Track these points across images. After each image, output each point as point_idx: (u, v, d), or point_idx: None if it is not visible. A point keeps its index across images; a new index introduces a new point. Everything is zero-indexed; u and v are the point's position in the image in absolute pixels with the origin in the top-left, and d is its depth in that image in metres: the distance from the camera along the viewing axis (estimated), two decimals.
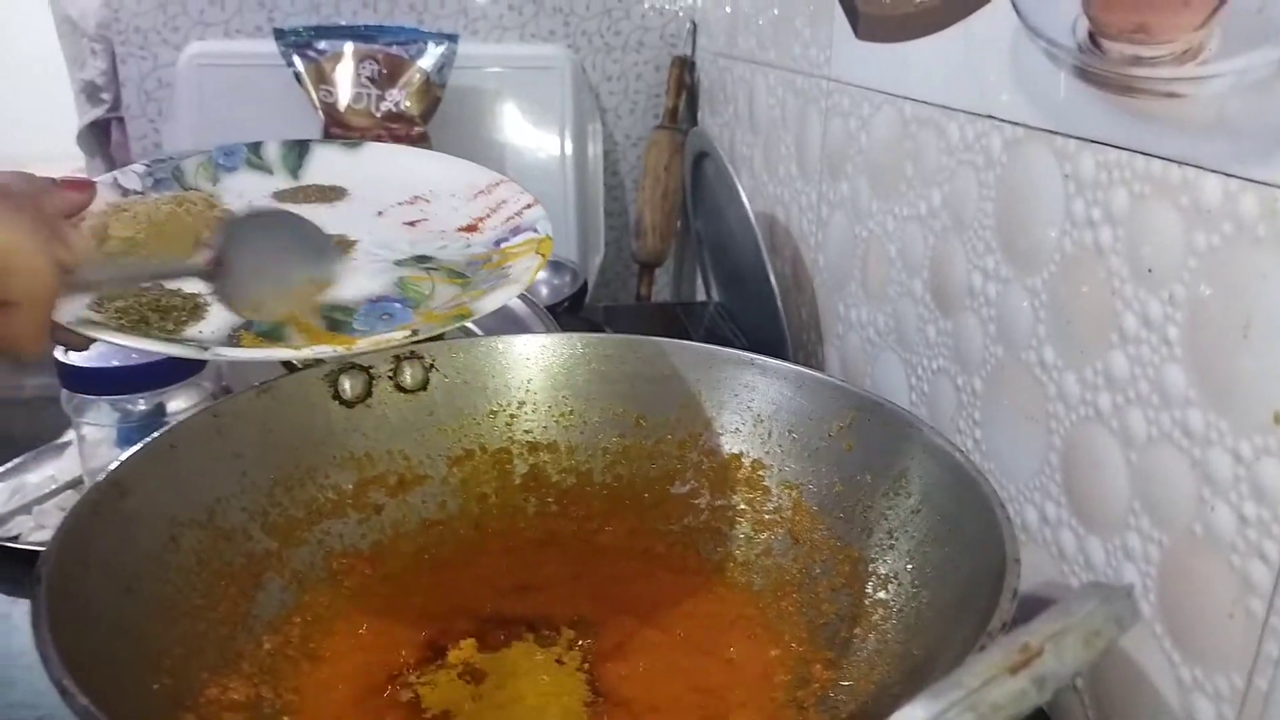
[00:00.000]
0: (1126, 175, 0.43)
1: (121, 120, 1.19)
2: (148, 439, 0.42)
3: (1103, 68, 0.45)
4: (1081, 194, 0.46)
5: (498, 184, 0.56)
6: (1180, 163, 0.40)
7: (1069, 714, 0.49)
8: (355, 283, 0.45)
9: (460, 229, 0.52)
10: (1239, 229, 0.37)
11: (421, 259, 0.48)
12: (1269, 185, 0.36)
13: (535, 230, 0.50)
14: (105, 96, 1.20)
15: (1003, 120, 0.52)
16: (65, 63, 1.24)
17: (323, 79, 1.05)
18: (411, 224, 0.52)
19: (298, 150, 0.58)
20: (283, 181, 0.56)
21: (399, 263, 0.48)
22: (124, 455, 0.40)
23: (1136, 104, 0.43)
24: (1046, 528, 0.51)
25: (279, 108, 1.06)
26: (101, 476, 0.39)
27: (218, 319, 0.42)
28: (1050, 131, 0.48)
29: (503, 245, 0.50)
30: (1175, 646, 0.42)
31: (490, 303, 0.43)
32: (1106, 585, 0.24)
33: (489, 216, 0.53)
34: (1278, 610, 0.36)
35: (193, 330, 0.41)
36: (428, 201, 0.54)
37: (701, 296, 1.14)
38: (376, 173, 0.56)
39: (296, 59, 1.04)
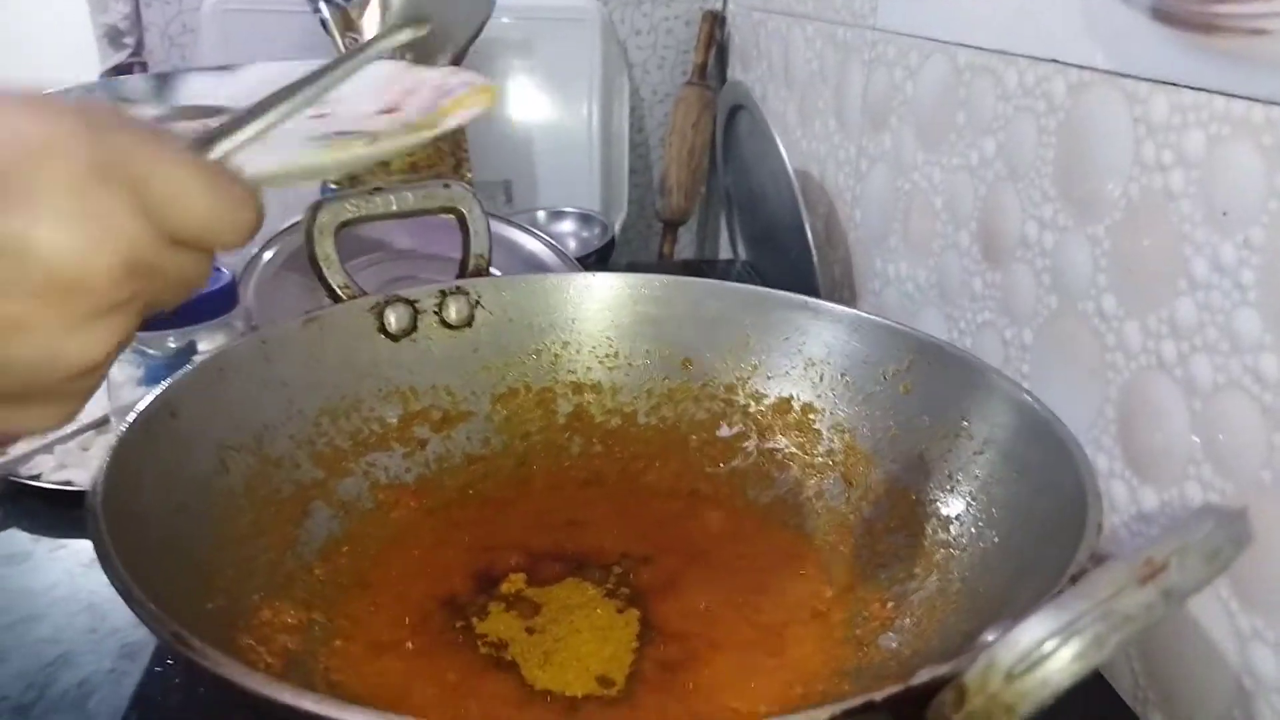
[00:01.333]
0: (1204, 117, 0.42)
1: (145, 65, 1.17)
2: (196, 361, 0.41)
3: (1181, 6, 0.43)
4: (1152, 137, 0.45)
5: (414, 70, 0.49)
6: (1266, 102, 0.39)
7: (1113, 665, 0.49)
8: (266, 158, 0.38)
9: (380, 111, 0.45)
10: None
11: (344, 134, 0.42)
12: None
13: (470, 84, 0.45)
14: (128, 41, 1.18)
15: (1068, 64, 0.51)
16: (87, 6, 1.22)
17: (349, 25, 1.03)
18: (321, 116, 0.45)
19: (157, 83, 0.52)
20: (154, 109, 0.50)
21: (316, 138, 0.39)
22: (173, 377, 0.40)
23: (1217, 42, 0.41)
24: (1099, 480, 0.50)
25: (304, 54, 1.04)
26: (152, 396, 0.38)
27: None
28: (1120, 74, 0.47)
29: (439, 103, 0.45)
30: (1234, 596, 0.41)
31: (453, 119, 0.38)
32: (1221, 507, 0.23)
33: (411, 95, 0.47)
34: None
35: None
36: (337, 103, 0.47)
37: (725, 254, 1.12)
38: (267, 88, 0.47)
39: (323, 5, 1.02)
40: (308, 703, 0.23)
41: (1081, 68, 0.50)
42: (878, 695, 0.23)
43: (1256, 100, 0.39)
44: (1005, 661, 0.20)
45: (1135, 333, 0.46)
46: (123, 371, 0.63)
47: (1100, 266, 0.49)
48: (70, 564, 0.53)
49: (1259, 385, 0.39)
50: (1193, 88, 0.43)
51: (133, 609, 0.27)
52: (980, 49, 0.59)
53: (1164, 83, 0.44)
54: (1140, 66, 0.46)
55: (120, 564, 0.28)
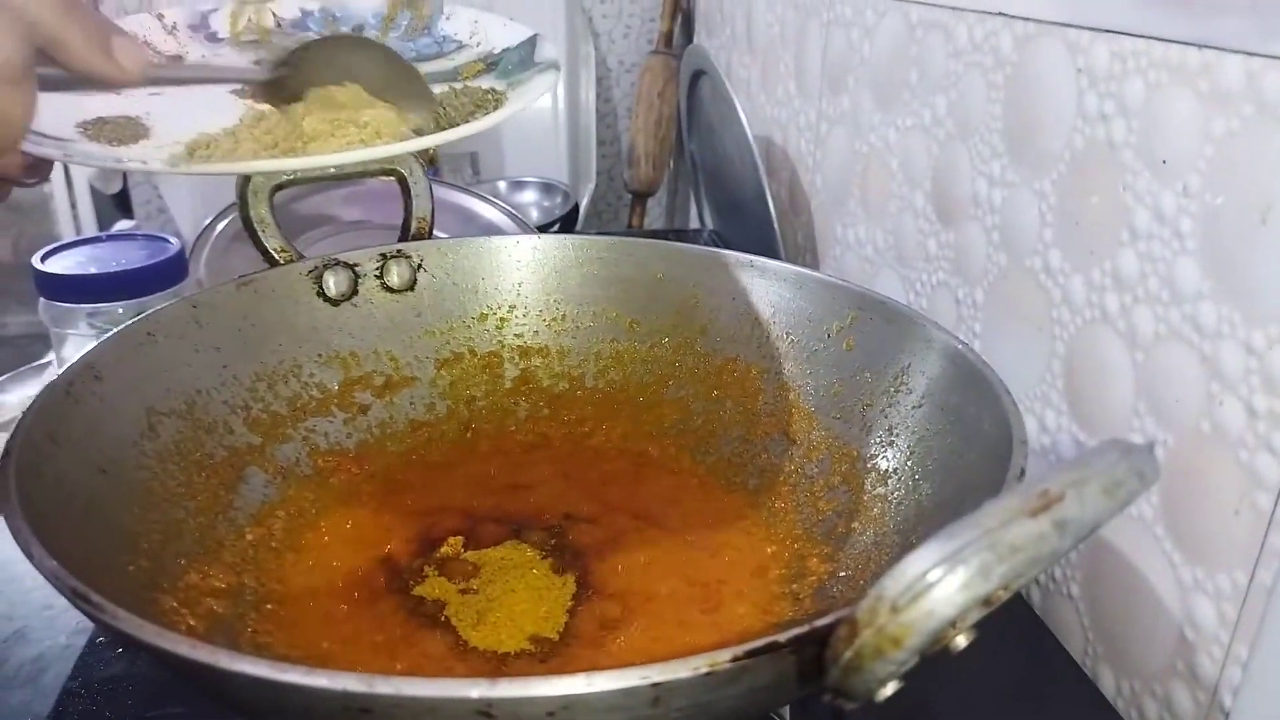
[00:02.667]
0: (1142, 64, 0.42)
1: None
2: (124, 325, 0.40)
3: None
4: (1094, 87, 0.45)
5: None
6: (1200, 45, 0.38)
7: (1063, 621, 0.49)
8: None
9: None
10: (1261, 110, 0.36)
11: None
12: None
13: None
14: None
15: (1013, 16, 0.50)
16: None
17: None
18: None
19: None
20: None
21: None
22: (100, 340, 0.39)
23: None
24: (1045, 435, 0.50)
25: None
26: (75, 359, 0.37)
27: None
28: (1063, 25, 0.47)
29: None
30: (1176, 547, 0.41)
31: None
32: (1127, 440, 0.23)
33: None
34: None
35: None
36: None
37: (695, 225, 1.12)
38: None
39: None
40: (202, 654, 0.23)
41: (1027, 20, 0.49)
42: (782, 636, 0.23)
43: (1191, 44, 0.39)
44: (891, 592, 0.19)
45: (1080, 287, 0.46)
46: (76, 347, 0.63)
47: (1047, 221, 0.49)
48: None
49: (1198, 334, 0.39)
50: (1132, 34, 0.42)
51: (34, 565, 0.27)
52: (932, 4, 0.59)
53: (1105, 30, 0.44)
54: (1082, 15, 0.45)
55: (24, 521, 0.28)
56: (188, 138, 0.39)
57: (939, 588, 0.19)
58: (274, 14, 0.50)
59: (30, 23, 0.32)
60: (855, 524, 0.39)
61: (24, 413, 0.33)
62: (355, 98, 0.41)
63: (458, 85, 0.46)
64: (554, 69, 0.46)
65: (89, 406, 0.37)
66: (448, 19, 0.51)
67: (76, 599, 0.25)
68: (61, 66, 0.34)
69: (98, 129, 0.39)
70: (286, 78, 0.41)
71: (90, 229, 1.81)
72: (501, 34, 0.50)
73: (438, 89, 0.45)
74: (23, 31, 0.32)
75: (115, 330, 0.40)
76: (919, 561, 0.19)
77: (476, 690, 0.21)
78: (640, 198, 1.15)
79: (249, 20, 0.49)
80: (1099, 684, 0.46)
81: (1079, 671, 0.46)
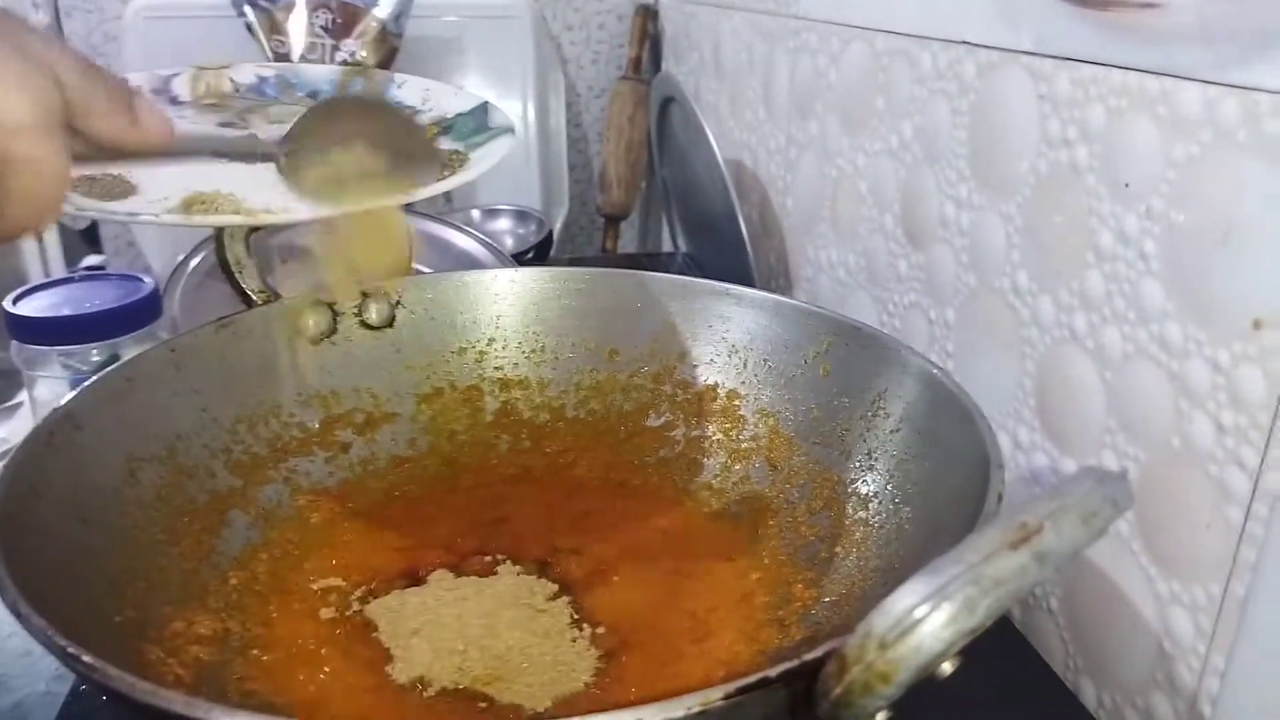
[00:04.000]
0: (1103, 90, 0.43)
1: None
2: (103, 373, 0.40)
3: None
4: (1057, 114, 0.46)
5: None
6: (1158, 74, 0.40)
7: (1044, 636, 0.50)
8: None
9: None
10: (1218, 136, 0.37)
11: None
12: (1249, 89, 0.35)
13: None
14: None
15: (976, 45, 0.51)
16: None
17: (275, 29, 1.02)
18: None
19: None
20: None
21: None
22: (78, 389, 0.39)
23: (1112, 17, 0.42)
24: (1020, 453, 0.51)
25: (231, 59, 1.03)
26: (53, 410, 0.37)
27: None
28: (1025, 53, 0.48)
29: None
30: (1152, 561, 0.42)
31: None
32: (1100, 469, 0.23)
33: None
34: (1255, 516, 0.36)
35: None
36: None
37: (668, 248, 1.13)
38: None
39: (248, 9, 1.01)
40: (197, 711, 0.23)
41: (990, 48, 0.50)
42: (772, 672, 0.23)
43: (1150, 72, 0.40)
44: (879, 629, 0.20)
45: (1049, 306, 0.47)
46: (49, 389, 0.62)
47: (1014, 243, 0.50)
48: None
49: (1165, 353, 0.40)
50: (1092, 62, 0.43)
51: (22, 625, 0.27)
52: (896, 34, 0.60)
53: (1065, 58, 0.45)
54: (1044, 44, 0.46)
55: (8, 577, 0.27)
56: (177, 195, 0.39)
57: (926, 623, 0.19)
58: (231, 80, 0.51)
59: (57, 80, 0.31)
60: (838, 548, 0.40)
61: (4, 466, 0.33)
62: (358, 160, 0.41)
63: None
64: (509, 133, 0.47)
65: (69, 456, 0.36)
66: (399, 87, 0.52)
67: (68, 659, 0.25)
68: (84, 134, 0.33)
69: (88, 186, 0.39)
70: (295, 147, 0.42)
71: (58, 264, 1.79)
72: (453, 101, 0.51)
73: None
74: (55, 84, 0.31)
75: (94, 378, 0.40)
76: (905, 598, 0.20)
77: None
78: (613, 222, 1.15)
79: (208, 85, 0.50)
80: (1080, 697, 0.46)
81: (1060, 685, 0.47)
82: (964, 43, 0.53)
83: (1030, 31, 0.47)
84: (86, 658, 0.25)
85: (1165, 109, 0.39)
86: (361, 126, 0.42)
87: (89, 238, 1.30)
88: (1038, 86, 0.47)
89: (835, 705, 0.21)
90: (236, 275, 0.47)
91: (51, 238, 1.81)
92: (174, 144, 0.37)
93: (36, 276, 1.86)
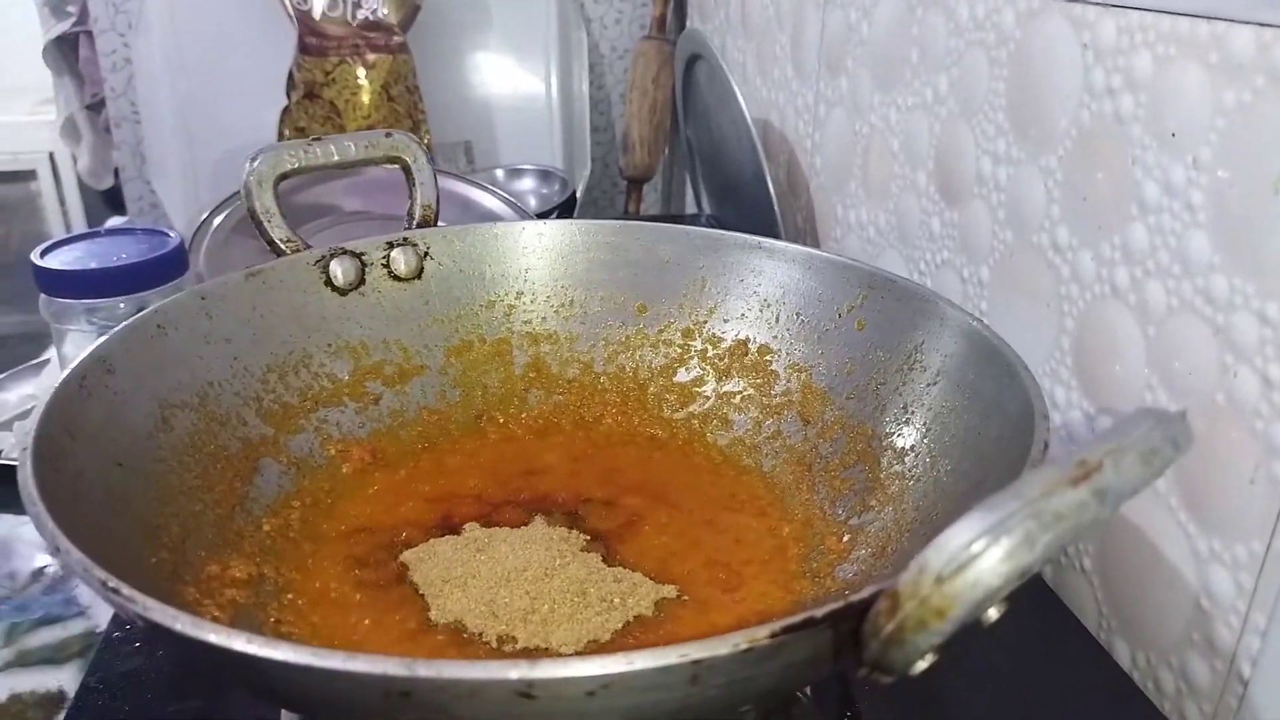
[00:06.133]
0: (1150, 37, 0.42)
1: (89, 34, 1.14)
2: (133, 318, 0.40)
3: None
4: (1101, 63, 0.45)
5: None
6: (1210, 18, 0.38)
7: (1077, 595, 0.49)
8: None
9: None
10: (1272, 81, 0.36)
11: None
12: None
13: None
14: (71, 9, 1.15)
15: None
16: None
17: None
18: None
19: None
20: None
21: None
22: (109, 333, 0.39)
23: None
24: (1056, 411, 0.50)
25: (253, 17, 1.02)
26: (86, 352, 0.37)
27: None
28: (1067, 0, 0.47)
29: None
30: (1191, 519, 0.41)
31: None
32: (1159, 409, 0.23)
33: None
34: None
35: None
36: None
37: (691, 210, 1.12)
38: None
39: None
40: (238, 643, 0.23)
41: None
42: (818, 611, 0.23)
43: (1201, 17, 0.39)
44: (935, 564, 0.19)
45: (1089, 262, 0.46)
46: (75, 343, 0.62)
47: (1053, 198, 0.49)
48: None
49: (1210, 307, 0.39)
50: (1139, 8, 0.42)
51: (60, 559, 0.27)
52: None
53: (1111, 5, 0.44)
54: None
55: (48, 514, 0.27)
56: None
57: (984, 558, 0.19)
58: None
59: None
60: (873, 502, 0.39)
61: (39, 408, 0.33)
62: None
63: None
64: None
65: (102, 400, 0.36)
66: None
67: (107, 591, 0.25)
68: None
69: None
70: None
71: (80, 226, 1.80)
72: None
73: None
74: None
75: (125, 323, 0.40)
76: (962, 532, 0.19)
77: (516, 671, 0.21)
78: (636, 184, 1.14)
79: None
80: (1115, 655, 0.46)
81: (1094, 644, 0.47)
82: None
83: None
84: (126, 590, 0.25)
85: (1217, 54, 0.38)
86: None
87: (111, 199, 1.30)
88: (1080, 35, 0.46)
89: (886, 643, 0.21)
90: (265, 224, 0.46)
91: (74, 199, 1.82)
92: None
93: (60, 237, 1.88)
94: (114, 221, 1.26)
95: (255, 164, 0.46)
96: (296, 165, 0.46)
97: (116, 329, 0.39)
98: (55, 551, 0.27)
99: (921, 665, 0.22)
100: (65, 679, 0.44)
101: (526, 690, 0.22)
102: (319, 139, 0.47)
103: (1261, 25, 0.36)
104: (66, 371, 0.36)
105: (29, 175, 1.84)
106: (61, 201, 1.84)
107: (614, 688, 0.22)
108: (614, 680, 0.22)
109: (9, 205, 1.89)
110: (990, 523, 0.19)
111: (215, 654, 0.23)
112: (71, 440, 0.33)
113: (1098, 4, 0.45)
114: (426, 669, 0.21)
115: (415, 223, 0.50)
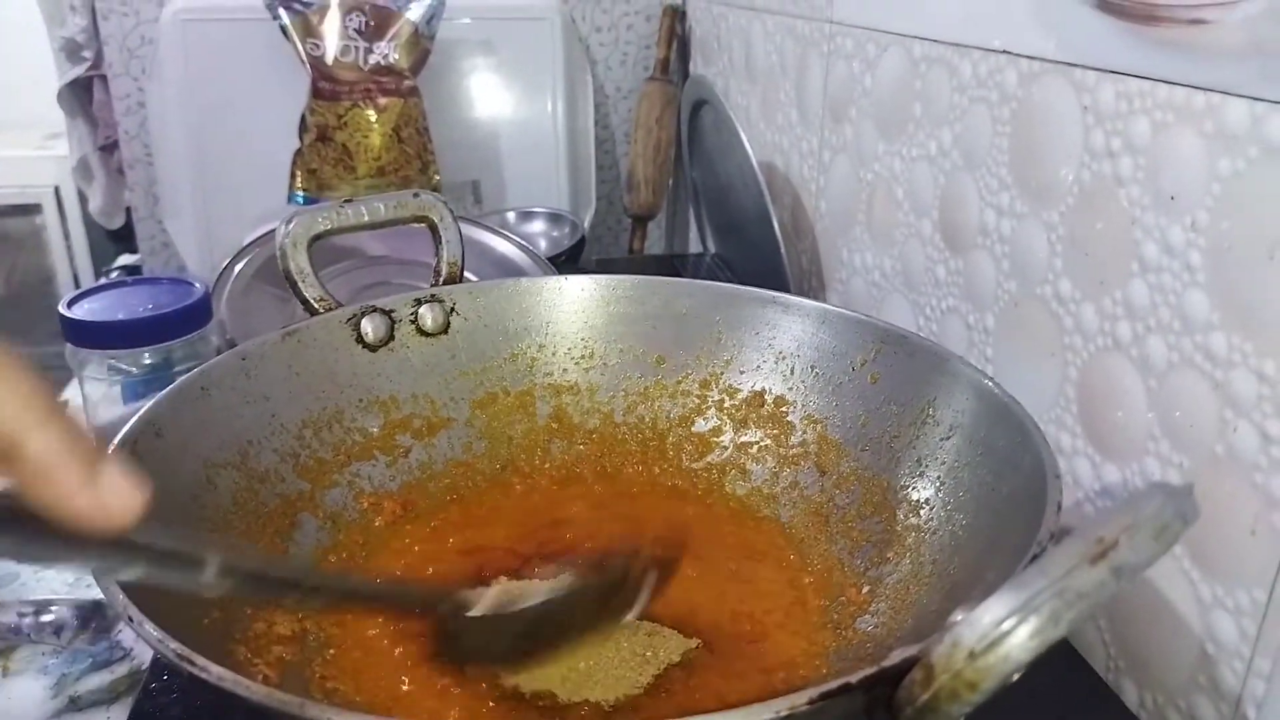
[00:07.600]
0: (1148, 104, 0.44)
1: (104, 78, 1.16)
2: (179, 381, 0.42)
3: None
4: (1101, 125, 0.47)
5: None
6: (1205, 89, 0.40)
7: (1085, 637, 0.51)
8: None
9: None
10: (1266, 152, 0.38)
11: None
12: None
13: None
14: (86, 54, 1.17)
15: (1019, 55, 0.52)
16: (43, 20, 1.21)
17: (310, 32, 1.03)
18: None
19: None
20: None
21: None
22: (156, 397, 0.40)
23: (1160, 33, 0.43)
24: (1061, 458, 0.51)
25: (266, 63, 1.04)
26: (136, 417, 0.39)
27: None
28: (1069, 64, 0.49)
29: None
30: (1195, 565, 0.43)
31: None
32: (1168, 484, 0.24)
33: None
34: None
35: None
36: None
37: (695, 248, 1.14)
38: None
39: (283, 11, 1.02)
40: (311, 710, 0.24)
41: (1032, 58, 0.51)
42: (853, 678, 0.24)
43: (1197, 88, 0.41)
44: (968, 641, 0.21)
45: (1092, 314, 0.48)
46: (98, 389, 0.64)
47: (1056, 251, 0.50)
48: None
49: (1210, 363, 0.41)
50: (1138, 76, 0.44)
51: (135, 631, 0.28)
52: (935, 41, 0.61)
53: (1110, 71, 0.46)
54: (1088, 56, 0.47)
55: (120, 590, 0.29)
56: None
57: (1014, 635, 0.20)
58: None
59: None
60: (890, 554, 0.41)
61: None
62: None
63: None
64: None
65: (152, 464, 0.38)
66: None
67: (182, 661, 0.27)
68: (14, 498, 0.24)
69: None
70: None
71: (84, 262, 1.81)
72: None
73: None
74: None
75: (171, 387, 0.41)
76: (994, 610, 0.21)
77: None
78: (641, 221, 1.16)
79: None
80: (1123, 696, 0.48)
81: (1103, 685, 0.48)
82: (1005, 52, 0.54)
83: (1073, 44, 0.48)
84: (200, 661, 0.26)
85: (1211, 124, 0.40)
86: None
87: (117, 237, 1.32)
88: (1081, 98, 0.48)
89: (920, 711, 0.22)
90: (299, 284, 0.48)
91: (78, 234, 1.83)
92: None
93: (64, 274, 1.89)
94: (125, 259, 1.28)
95: (290, 226, 0.47)
96: (329, 227, 0.48)
97: (164, 392, 0.40)
98: (129, 621, 0.28)
99: None
100: (116, 715, 0.45)
101: None
102: (350, 200, 0.49)
103: (1254, 99, 0.38)
104: (117, 438, 0.37)
105: (35, 209, 1.86)
106: (66, 236, 1.86)
107: None
108: None
109: (14, 238, 1.91)
110: (1019, 602, 0.21)
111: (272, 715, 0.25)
112: None
113: (1097, 69, 0.47)
114: None
115: (442, 279, 0.52)
